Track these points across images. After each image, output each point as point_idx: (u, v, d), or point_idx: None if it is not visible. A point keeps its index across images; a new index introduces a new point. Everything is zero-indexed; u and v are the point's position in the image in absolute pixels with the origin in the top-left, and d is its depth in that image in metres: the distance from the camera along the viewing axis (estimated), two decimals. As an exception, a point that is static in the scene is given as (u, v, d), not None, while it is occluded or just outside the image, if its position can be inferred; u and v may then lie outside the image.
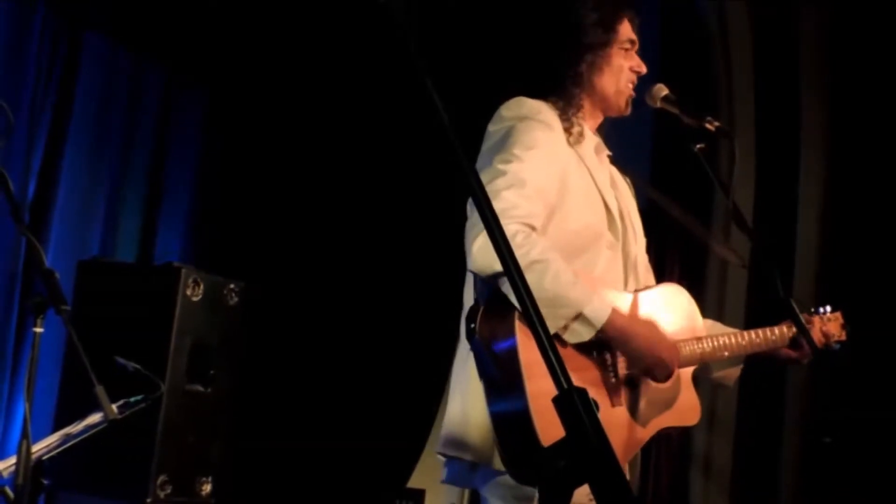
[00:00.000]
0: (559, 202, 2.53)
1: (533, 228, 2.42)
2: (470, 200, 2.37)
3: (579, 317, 2.38)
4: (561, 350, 2.36)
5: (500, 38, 5.12)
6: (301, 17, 5.59)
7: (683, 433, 5.23)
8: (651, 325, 2.55)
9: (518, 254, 2.28)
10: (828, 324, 3.00)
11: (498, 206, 2.31)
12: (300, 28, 5.67)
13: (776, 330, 2.87)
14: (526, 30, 2.87)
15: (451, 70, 4.20)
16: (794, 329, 2.85)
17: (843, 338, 3.03)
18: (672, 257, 5.44)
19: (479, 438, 2.44)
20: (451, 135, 1.55)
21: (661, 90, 2.81)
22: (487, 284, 2.43)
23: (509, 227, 2.34)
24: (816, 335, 2.92)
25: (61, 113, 5.18)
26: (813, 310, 3.02)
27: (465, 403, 2.50)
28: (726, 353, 2.77)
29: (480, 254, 2.34)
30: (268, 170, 5.99)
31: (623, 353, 2.49)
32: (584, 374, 2.43)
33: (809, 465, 5.12)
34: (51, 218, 5.12)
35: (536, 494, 2.24)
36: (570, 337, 2.39)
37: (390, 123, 5.57)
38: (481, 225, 2.30)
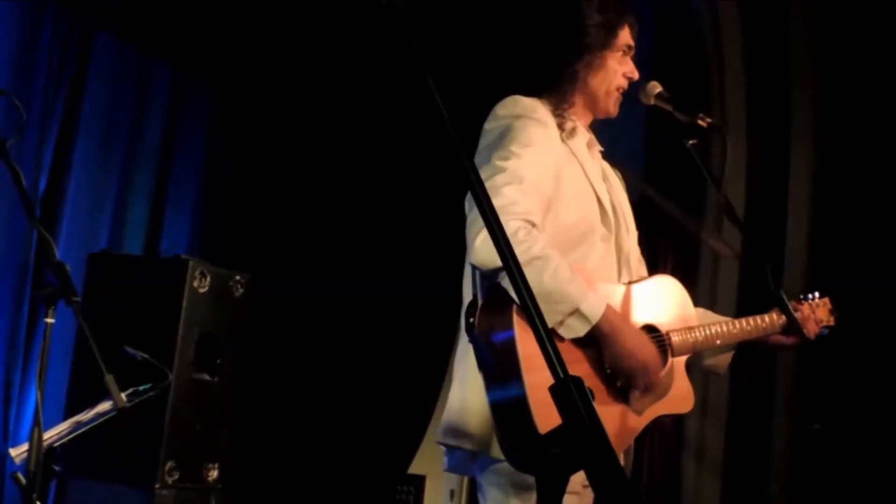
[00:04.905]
0: (553, 197, 2.56)
1: (533, 225, 2.44)
2: (469, 196, 2.38)
3: (575, 312, 2.40)
4: (557, 344, 2.46)
5: (499, 34, 5.19)
6: (305, 16, 5.64)
7: (676, 421, 5.30)
8: (639, 333, 2.56)
9: (519, 250, 2.32)
10: (816, 309, 3.02)
11: (498, 202, 2.34)
12: (304, 27, 5.69)
13: (766, 318, 2.90)
14: (527, 27, 2.92)
15: (451, 66, 4.27)
16: (784, 316, 2.89)
17: (832, 323, 3.05)
18: (665, 248, 5.48)
19: (478, 428, 2.47)
20: (451, 132, 1.59)
21: (655, 87, 2.85)
22: (487, 279, 2.46)
23: (511, 224, 2.37)
24: (805, 322, 2.96)
25: (72, 110, 5.22)
26: (802, 296, 3.04)
27: (465, 394, 2.52)
28: (718, 342, 2.79)
29: (483, 248, 2.35)
30: (272, 164, 6.01)
31: (608, 351, 2.48)
32: (579, 367, 2.44)
33: (799, 452, 5.17)
34: (61, 212, 5.16)
35: (534, 481, 2.35)
36: (565, 332, 2.41)
37: (394, 118, 5.60)
38: (481, 220, 2.33)
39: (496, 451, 2.42)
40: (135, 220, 5.66)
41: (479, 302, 2.47)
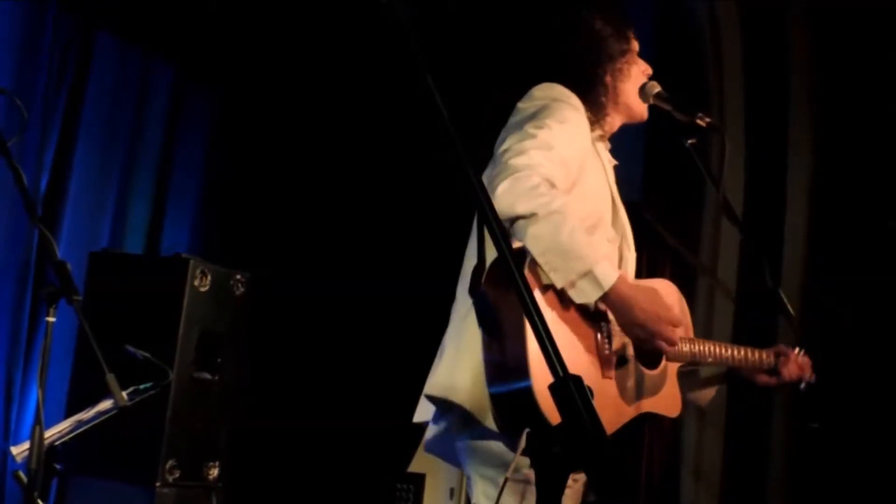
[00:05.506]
0: (576, 181, 2.59)
1: (553, 186, 2.45)
2: (487, 173, 2.44)
3: (588, 274, 2.38)
4: (563, 311, 2.43)
5: (500, 36, 5.20)
6: (306, 16, 5.66)
7: (675, 421, 5.30)
8: (654, 294, 2.53)
9: (540, 201, 2.36)
10: (801, 362, 3.02)
11: (524, 161, 2.41)
12: (305, 26, 5.73)
13: (759, 353, 2.94)
14: (548, 45, 2.93)
15: (451, 66, 4.28)
16: (773, 358, 2.94)
17: (812, 380, 3.05)
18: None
19: (468, 385, 2.47)
20: (451, 132, 1.60)
21: (654, 87, 2.86)
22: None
23: (532, 179, 2.39)
24: (792, 368, 2.98)
25: (73, 110, 5.25)
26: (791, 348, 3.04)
27: (456, 361, 2.53)
28: (710, 360, 2.82)
29: (504, 196, 2.36)
30: (273, 164, 6.04)
31: (620, 321, 2.48)
32: (580, 341, 2.46)
33: (798, 452, 5.18)
34: (63, 211, 5.19)
35: (514, 462, 2.29)
36: (575, 295, 2.40)
37: (394, 118, 5.62)
38: (507, 172, 2.38)
39: (484, 417, 2.42)
40: (135, 219, 5.70)
41: (488, 264, 2.45)
